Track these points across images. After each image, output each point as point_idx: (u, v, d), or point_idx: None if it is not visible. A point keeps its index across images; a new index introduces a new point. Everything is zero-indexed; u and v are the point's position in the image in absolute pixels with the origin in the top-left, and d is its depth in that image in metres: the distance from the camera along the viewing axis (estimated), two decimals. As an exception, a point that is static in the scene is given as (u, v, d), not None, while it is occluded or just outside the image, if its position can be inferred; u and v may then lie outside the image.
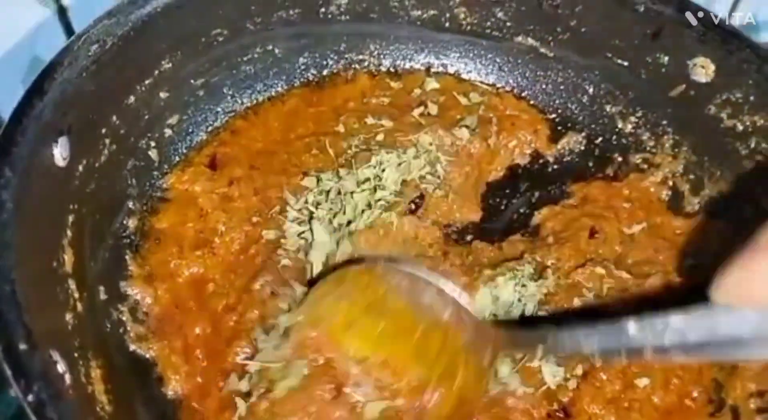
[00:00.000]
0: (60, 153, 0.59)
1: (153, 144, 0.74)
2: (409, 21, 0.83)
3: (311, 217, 0.72)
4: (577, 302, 0.68)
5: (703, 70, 0.71)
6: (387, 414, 0.54)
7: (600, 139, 0.82)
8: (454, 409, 0.55)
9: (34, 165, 0.55)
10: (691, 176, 0.76)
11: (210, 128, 0.79)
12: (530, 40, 0.82)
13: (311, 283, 0.68)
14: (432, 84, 0.85)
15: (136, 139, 0.72)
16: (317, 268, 0.69)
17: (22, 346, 0.46)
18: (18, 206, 0.52)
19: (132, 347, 0.64)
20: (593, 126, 0.82)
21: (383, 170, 0.74)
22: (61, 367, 0.49)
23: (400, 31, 0.84)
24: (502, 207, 0.78)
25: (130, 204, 0.71)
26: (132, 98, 0.70)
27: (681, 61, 0.73)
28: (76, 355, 0.54)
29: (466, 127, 0.79)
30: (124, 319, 0.65)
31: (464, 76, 0.86)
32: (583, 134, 0.82)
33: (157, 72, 0.72)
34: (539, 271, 0.70)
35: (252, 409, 0.59)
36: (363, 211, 0.72)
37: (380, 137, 0.78)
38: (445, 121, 0.80)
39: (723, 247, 0.70)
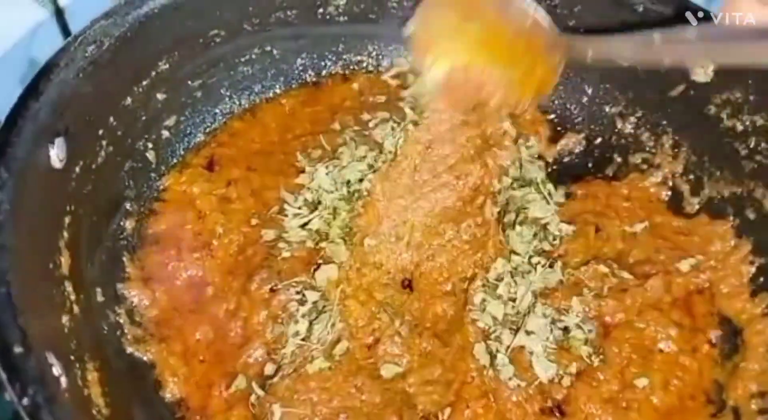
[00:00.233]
0: (56, 154, 0.58)
1: (150, 145, 0.74)
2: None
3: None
4: (575, 301, 0.68)
5: (702, 70, 0.71)
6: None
7: (599, 139, 0.82)
8: (534, 94, 0.66)
9: (30, 166, 0.55)
10: (691, 176, 0.76)
11: (207, 130, 0.79)
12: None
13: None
14: (431, 84, 0.85)
15: (133, 141, 0.72)
16: None
17: (18, 349, 0.46)
18: (14, 208, 0.52)
19: (129, 350, 0.64)
20: (593, 126, 0.82)
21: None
22: (56, 370, 0.48)
23: (399, 31, 0.84)
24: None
25: (128, 206, 0.71)
26: (129, 99, 0.70)
27: (680, 61, 0.73)
28: (72, 357, 0.53)
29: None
30: (121, 321, 0.65)
31: (463, 76, 0.86)
32: (583, 135, 0.82)
33: (154, 73, 0.72)
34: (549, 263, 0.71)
35: (271, 389, 0.62)
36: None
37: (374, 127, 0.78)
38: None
39: (724, 248, 0.71)
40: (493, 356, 0.65)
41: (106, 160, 0.67)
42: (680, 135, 0.77)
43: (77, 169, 0.62)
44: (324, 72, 0.85)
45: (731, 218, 0.72)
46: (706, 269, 0.70)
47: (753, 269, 0.69)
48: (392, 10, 0.82)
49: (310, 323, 0.66)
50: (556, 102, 0.83)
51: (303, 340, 0.65)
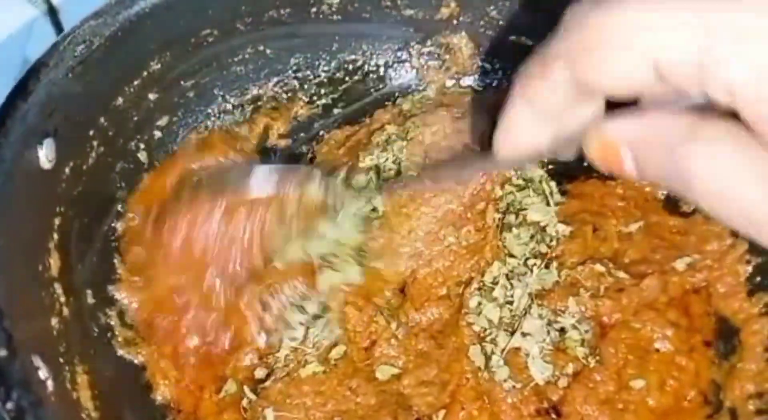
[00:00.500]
0: (45, 155, 0.58)
1: (142, 146, 0.73)
2: (402, 20, 0.83)
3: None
4: (571, 301, 0.67)
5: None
6: None
7: (595, 138, 0.81)
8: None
9: (18, 167, 0.55)
10: (688, 175, 0.75)
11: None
12: (524, 39, 0.81)
13: None
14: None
15: (124, 141, 0.71)
16: None
17: (1, 352, 0.45)
18: (2, 209, 0.52)
19: (120, 352, 0.64)
20: (588, 125, 0.81)
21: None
22: (43, 374, 0.48)
23: (393, 30, 0.84)
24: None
25: (119, 207, 0.70)
26: (120, 99, 0.69)
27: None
28: (61, 360, 0.53)
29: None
30: (112, 323, 0.64)
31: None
32: (578, 133, 0.81)
33: (145, 73, 0.71)
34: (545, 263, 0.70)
35: (263, 393, 0.62)
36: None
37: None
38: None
39: (720, 247, 0.71)
40: (488, 358, 0.65)
41: (97, 160, 0.66)
42: (676, 133, 0.76)
43: (67, 170, 0.62)
44: (318, 71, 0.84)
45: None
46: (703, 268, 0.70)
47: (749, 268, 0.69)
48: (386, 9, 0.81)
49: (307, 329, 0.65)
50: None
51: (298, 344, 0.65)
